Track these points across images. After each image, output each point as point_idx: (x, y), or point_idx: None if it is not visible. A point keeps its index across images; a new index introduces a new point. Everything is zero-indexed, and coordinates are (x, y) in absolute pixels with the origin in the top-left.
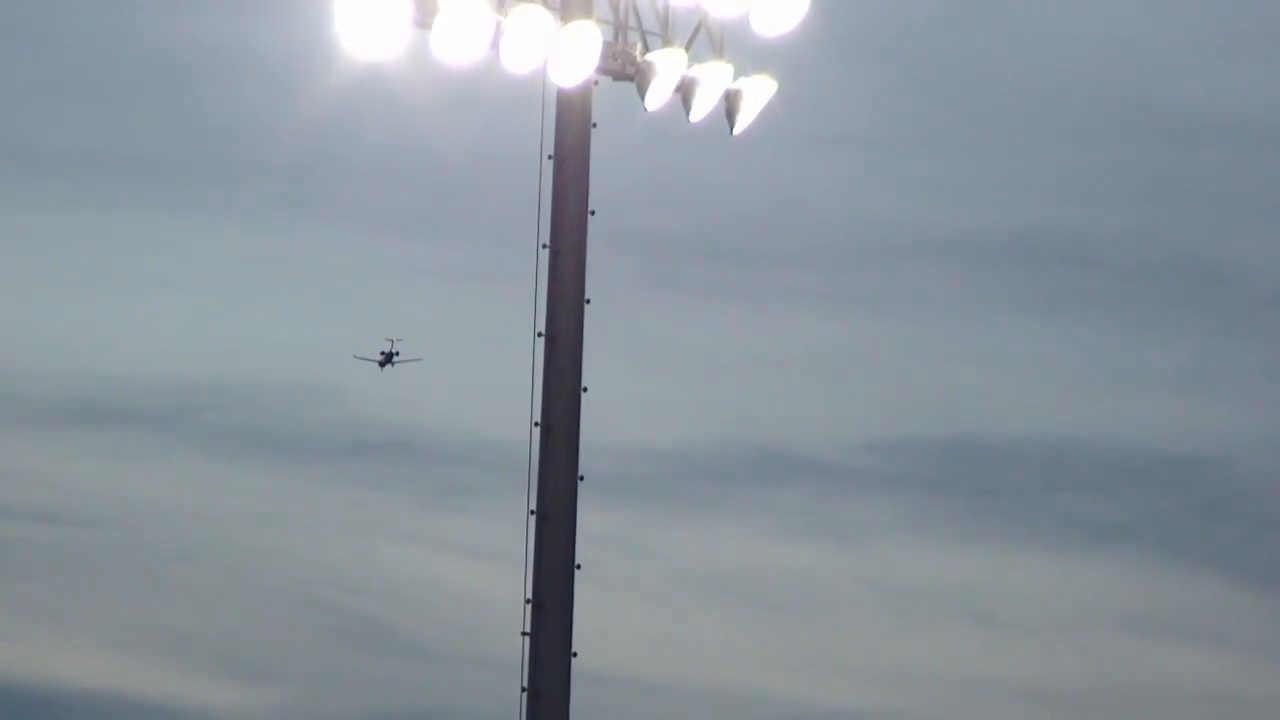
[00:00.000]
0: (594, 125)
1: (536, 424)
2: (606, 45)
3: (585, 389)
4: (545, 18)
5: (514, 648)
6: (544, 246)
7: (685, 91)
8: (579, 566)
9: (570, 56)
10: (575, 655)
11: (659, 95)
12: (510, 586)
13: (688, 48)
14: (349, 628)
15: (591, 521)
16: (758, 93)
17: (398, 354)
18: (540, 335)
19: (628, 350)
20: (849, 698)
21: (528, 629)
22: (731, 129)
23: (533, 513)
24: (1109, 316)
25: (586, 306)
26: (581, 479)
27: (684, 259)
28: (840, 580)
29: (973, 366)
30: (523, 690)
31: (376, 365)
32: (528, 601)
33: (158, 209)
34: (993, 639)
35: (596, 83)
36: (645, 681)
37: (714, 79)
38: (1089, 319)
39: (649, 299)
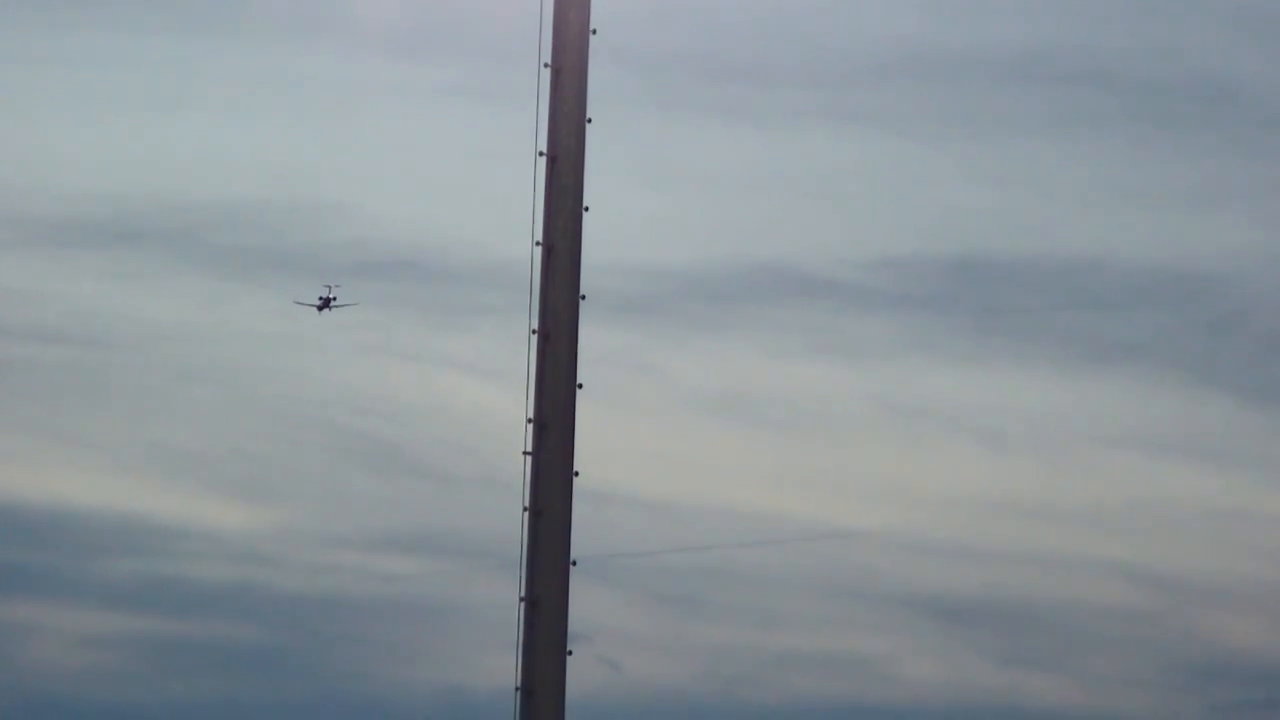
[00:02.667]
0: None
1: (538, 243)
2: None
3: (587, 208)
4: None
5: (516, 467)
6: (545, 65)
7: None
8: (581, 386)
9: None
10: (577, 474)
11: None
12: (512, 406)
13: None
14: (354, 447)
15: (594, 341)
16: None
17: (335, 299)
18: (541, 154)
19: (631, 170)
20: (856, 516)
21: (529, 448)
22: None
23: (534, 332)
24: (1118, 135)
25: (588, 125)
26: (583, 298)
27: (689, 78)
28: (847, 399)
29: (981, 185)
30: (524, 509)
31: (315, 309)
32: (529, 421)
33: (163, 30)
34: (1000, 457)
35: None
36: (648, 500)
37: None
38: (1098, 137)
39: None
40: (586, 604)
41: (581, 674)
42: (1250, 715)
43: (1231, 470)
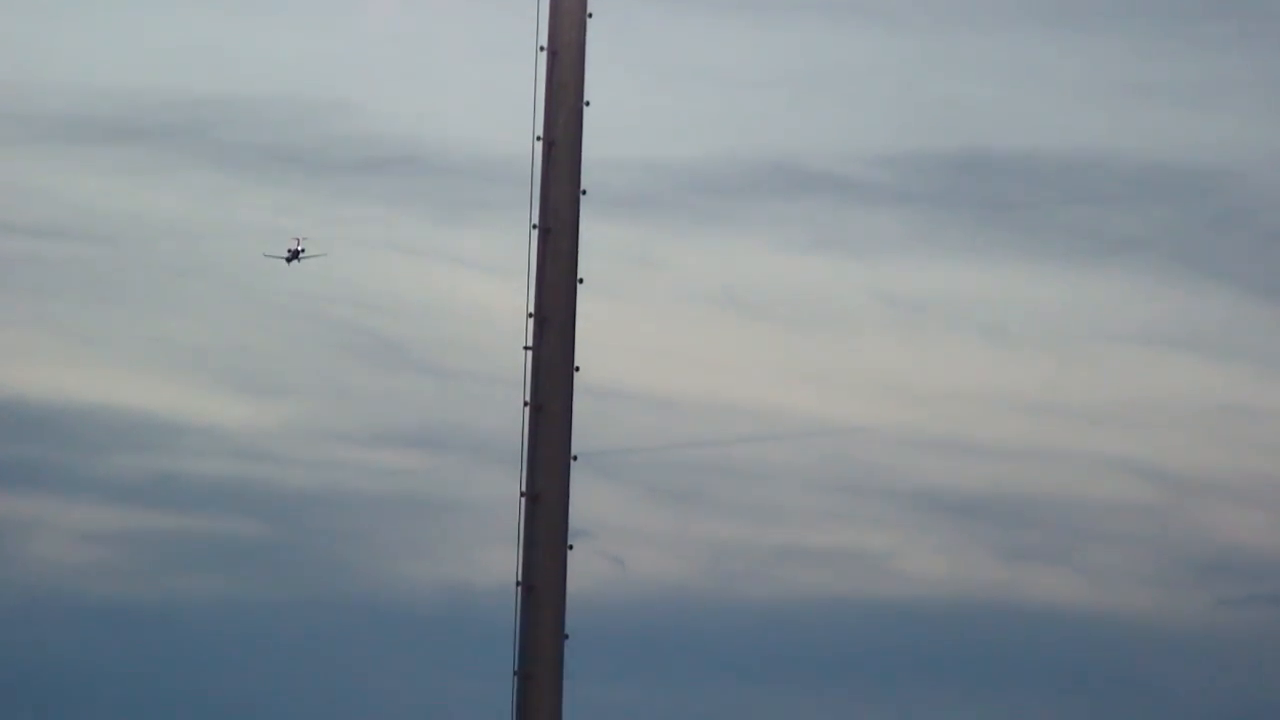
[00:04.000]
0: None
1: (539, 138)
2: None
3: (588, 103)
4: None
5: (517, 362)
6: None
7: None
8: (581, 281)
9: None
10: (578, 369)
11: None
12: (514, 301)
13: None
14: (356, 343)
15: (596, 236)
16: None
17: (303, 250)
18: (543, 49)
19: (633, 64)
20: (859, 412)
21: (530, 343)
22: None
23: (535, 227)
24: (1122, 29)
25: (589, 20)
26: (584, 193)
27: None
28: (850, 294)
29: (984, 79)
30: (525, 404)
31: (284, 261)
32: (530, 316)
33: None
34: (1003, 352)
35: None
36: (650, 396)
37: None
38: (1102, 31)
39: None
40: (587, 499)
41: (583, 569)
42: (1255, 609)
43: (1234, 364)
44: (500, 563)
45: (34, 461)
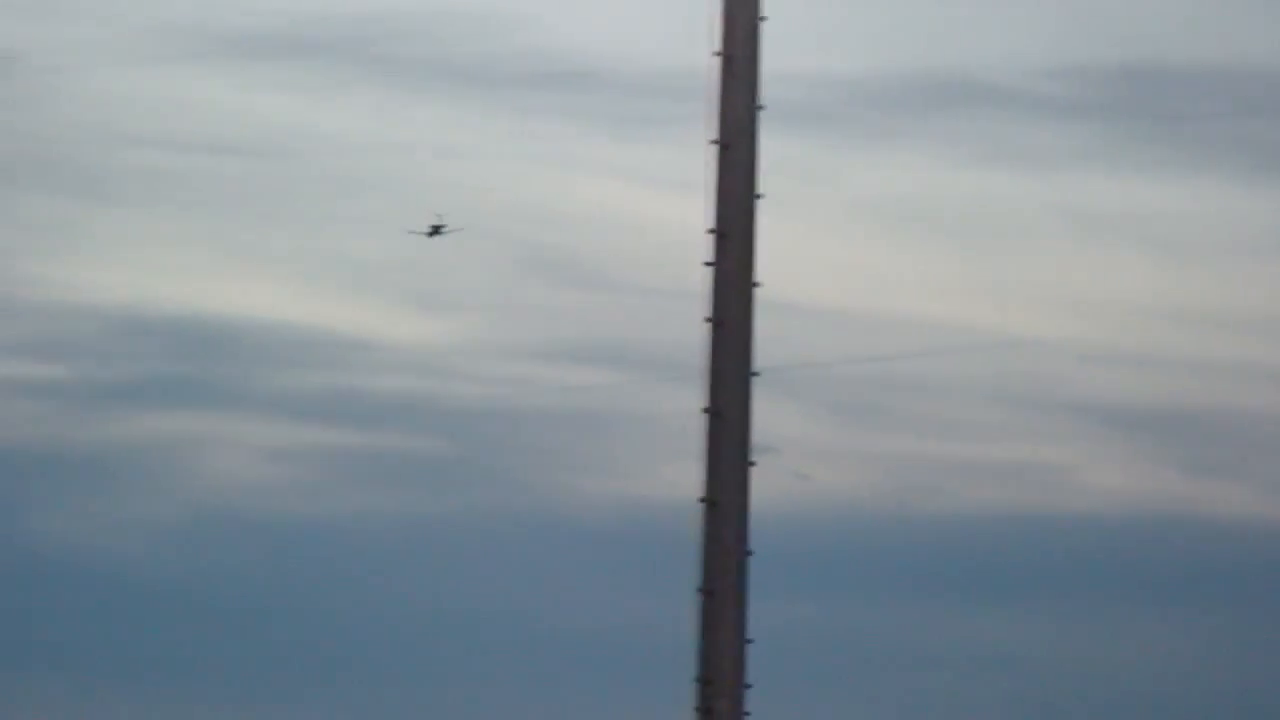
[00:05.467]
0: None
1: (716, 53)
2: None
3: (765, 17)
4: None
5: (697, 278)
6: None
7: None
8: (760, 196)
9: None
10: (758, 285)
11: None
12: (693, 217)
13: None
14: (534, 259)
15: (773, 151)
16: None
17: (445, 225)
18: None
19: None
20: (1033, 325)
21: (710, 259)
22: None
23: (714, 142)
24: None
25: None
26: (762, 108)
27: None
28: (1024, 207)
29: None
30: (706, 320)
31: (425, 236)
32: (710, 231)
33: None
34: (1177, 265)
35: None
36: (828, 310)
37: None
38: None
39: None
40: (769, 415)
41: (766, 485)
42: None
43: None
44: (682, 479)
45: (212, 379)
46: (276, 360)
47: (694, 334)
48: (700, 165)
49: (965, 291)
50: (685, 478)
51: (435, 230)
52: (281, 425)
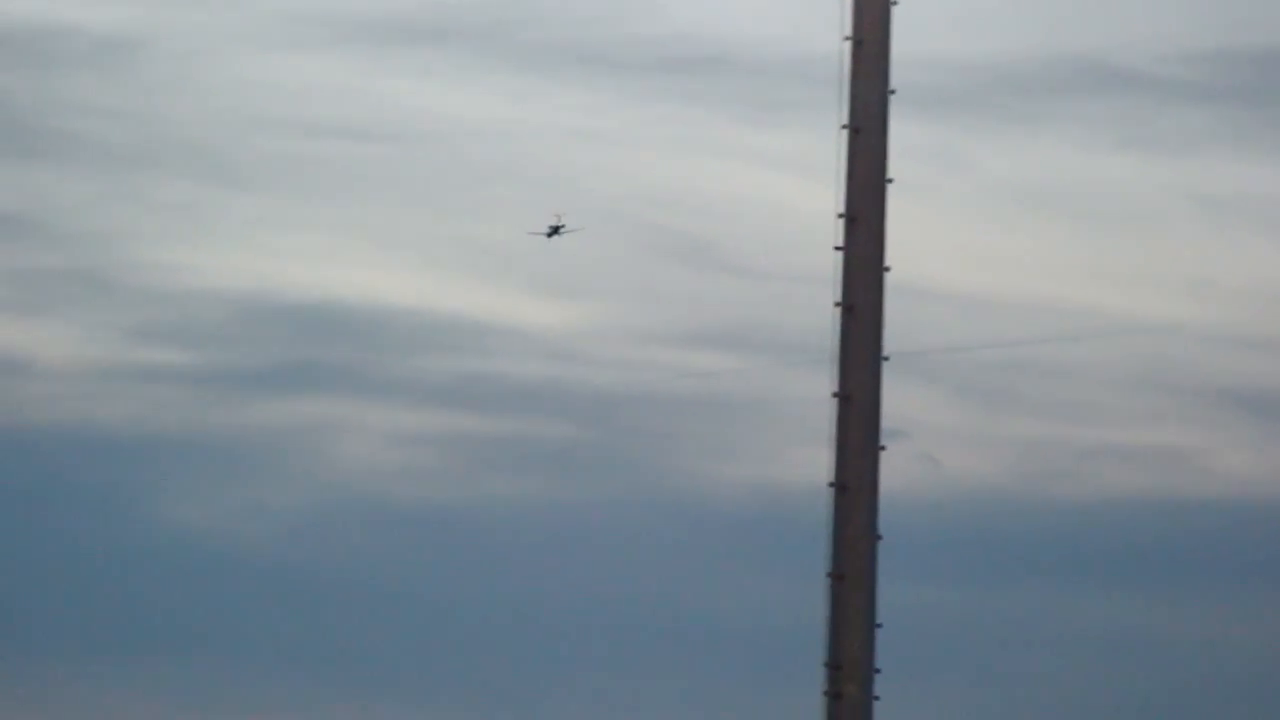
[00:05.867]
0: None
1: (847, 38)
2: None
3: (896, 2)
4: None
5: (828, 262)
6: None
7: None
8: (891, 180)
9: None
10: (888, 269)
11: None
12: (824, 201)
13: None
14: (665, 244)
15: (904, 135)
16: None
17: (564, 225)
18: None
19: None
20: (1167, 310)
21: (840, 243)
22: None
23: (844, 126)
24: None
25: None
26: (893, 93)
27: None
28: (1157, 192)
29: None
30: (836, 305)
31: (545, 237)
32: (840, 216)
33: None
34: None
35: None
36: (961, 294)
37: None
38: None
39: None
40: (899, 400)
41: (896, 469)
42: None
43: None
44: (813, 463)
45: (345, 364)
46: (406, 345)
47: (824, 318)
48: (831, 150)
49: (1097, 276)
50: (815, 462)
51: (554, 230)
52: (411, 411)
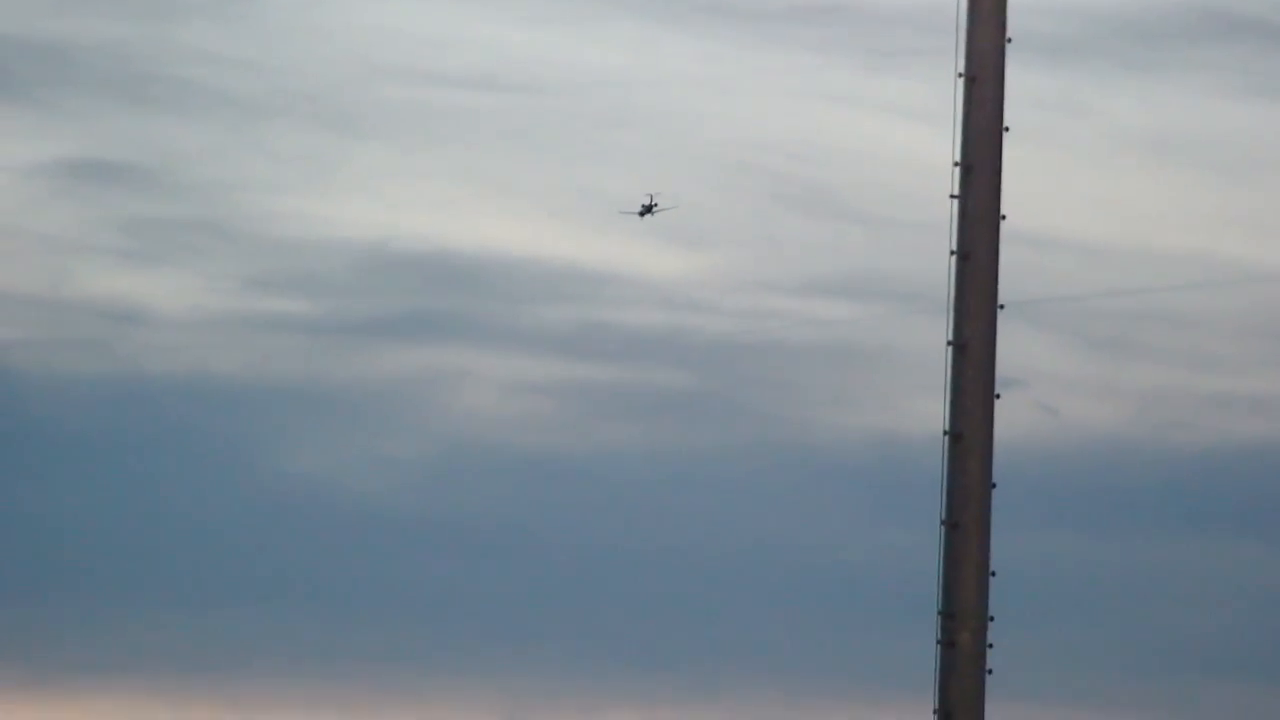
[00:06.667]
0: None
1: None
2: None
3: None
4: None
5: (945, 210)
6: None
7: None
8: (1007, 129)
9: None
10: (1004, 218)
11: None
12: (942, 148)
13: None
14: (784, 191)
15: (1022, 83)
16: None
17: (656, 205)
18: None
19: None
20: None
21: (956, 191)
22: None
23: (961, 75)
24: None
25: None
26: (1009, 41)
27: None
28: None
29: None
30: (951, 253)
31: (638, 216)
32: (956, 164)
33: None
34: None
35: None
36: (1078, 243)
37: None
38: None
39: None
40: (1016, 348)
41: (1013, 418)
42: None
43: None
44: (929, 413)
45: (462, 313)
46: (527, 295)
47: (942, 266)
48: (949, 97)
49: (1220, 224)
50: (933, 411)
51: (646, 210)
52: (531, 359)
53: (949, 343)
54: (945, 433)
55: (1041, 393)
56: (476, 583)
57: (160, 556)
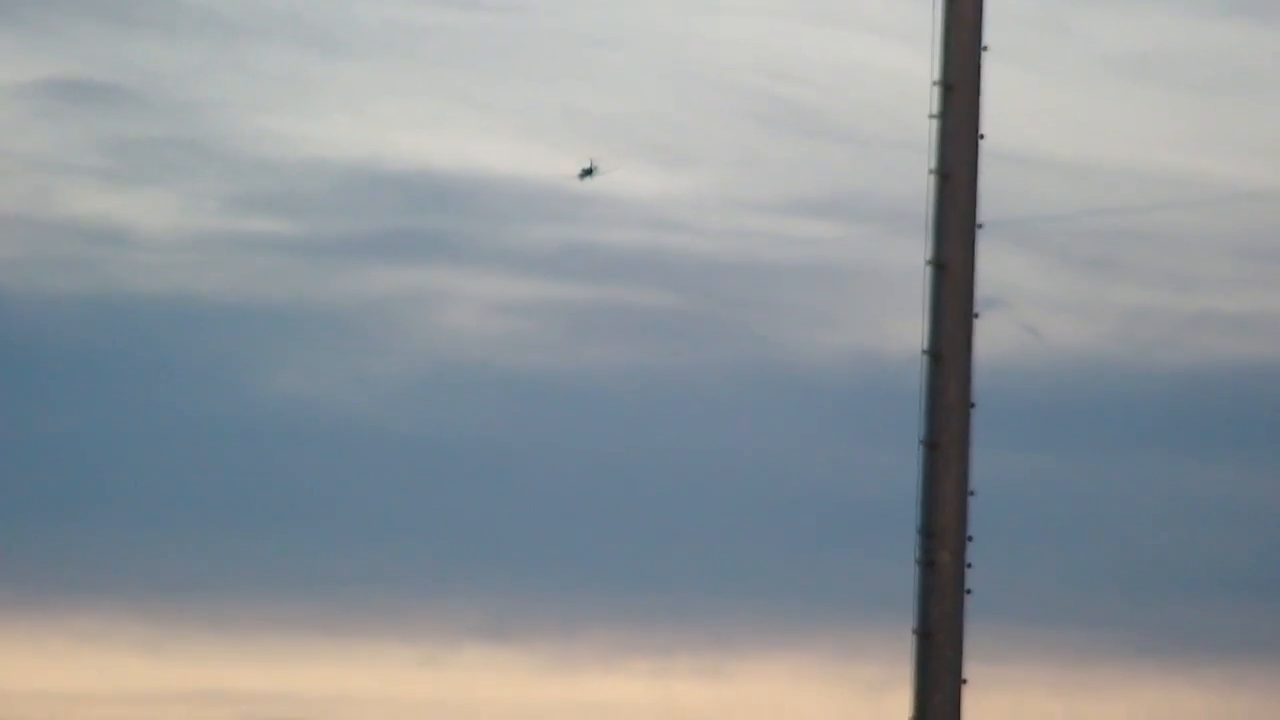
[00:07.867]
0: None
1: None
2: None
3: None
4: None
5: (925, 129)
6: None
7: None
8: (986, 48)
9: None
10: (983, 137)
11: None
12: (926, 68)
13: None
14: (765, 110)
15: (1003, 2)
16: None
17: (596, 169)
18: None
19: None
20: (1269, 177)
21: (936, 111)
22: None
23: None
24: None
25: None
26: None
27: None
28: (1264, 57)
29: None
30: (931, 173)
31: (578, 179)
32: (935, 83)
33: None
34: None
35: None
36: (1060, 162)
37: None
38: None
39: None
40: (998, 268)
41: (994, 338)
42: None
43: None
44: (908, 332)
45: (444, 232)
46: (509, 214)
47: (920, 186)
48: (928, 15)
49: (1203, 143)
50: (914, 331)
51: (586, 173)
52: (514, 279)
53: (928, 262)
54: (924, 352)
55: (1024, 312)
56: (459, 500)
57: (143, 475)
